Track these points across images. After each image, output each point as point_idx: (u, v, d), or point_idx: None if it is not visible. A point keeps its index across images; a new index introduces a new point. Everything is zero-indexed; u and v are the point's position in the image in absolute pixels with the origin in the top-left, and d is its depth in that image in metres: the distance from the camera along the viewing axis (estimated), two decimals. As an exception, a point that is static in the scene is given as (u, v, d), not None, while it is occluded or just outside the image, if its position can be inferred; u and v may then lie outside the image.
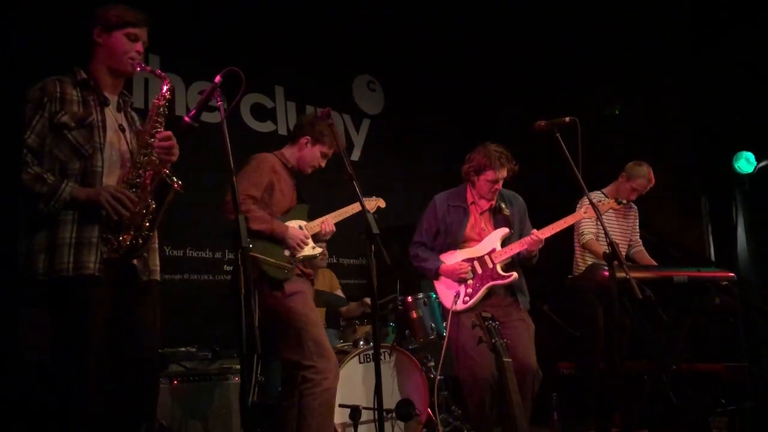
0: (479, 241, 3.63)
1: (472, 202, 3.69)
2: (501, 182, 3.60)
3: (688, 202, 5.40)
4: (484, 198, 3.66)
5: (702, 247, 5.28)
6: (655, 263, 4.48)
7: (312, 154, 3.36)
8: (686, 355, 4.17)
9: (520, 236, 3.62)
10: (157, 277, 2.50)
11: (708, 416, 4.09)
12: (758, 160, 5.11)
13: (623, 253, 4.54)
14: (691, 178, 5.39)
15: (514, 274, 3.53)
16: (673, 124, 5.47)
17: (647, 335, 4.00)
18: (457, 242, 3.64)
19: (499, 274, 3.52)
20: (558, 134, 3.02)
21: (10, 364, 3.25)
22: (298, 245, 3.19)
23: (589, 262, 4.39)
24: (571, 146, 2.99)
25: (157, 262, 2.52)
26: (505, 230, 3.62)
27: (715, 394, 4.24)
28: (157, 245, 2.54)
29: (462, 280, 3.55)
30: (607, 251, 2.84)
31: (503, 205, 3.69)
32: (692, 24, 5.31)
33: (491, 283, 3.52)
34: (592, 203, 3.12)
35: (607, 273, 2.94)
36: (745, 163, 5.09)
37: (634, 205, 4.69)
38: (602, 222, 2.99)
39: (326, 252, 5.06)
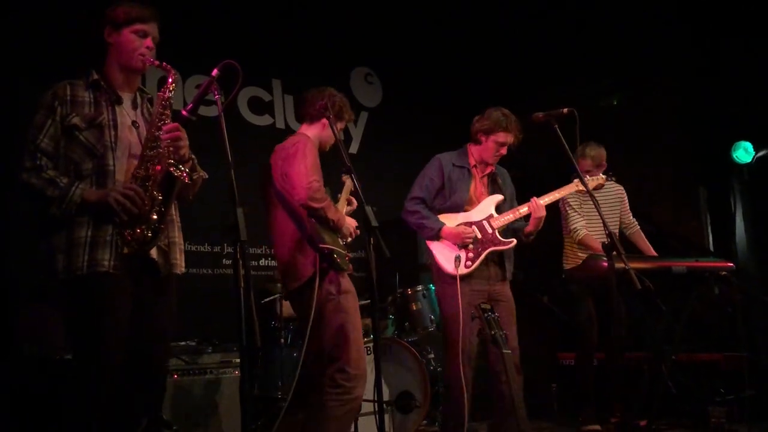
0: (477, 204, 3.62)
1: (474, 165, 3.66)
2: (506, 148, 3.57)
3: (687, 192, 5.40)
4: (485, 161, 3.64)
5: (701, 237, 5.29)
6: (650, 245, 4.45)
7: (332, 132, 3.22)
8: (685, 345, 4.19)
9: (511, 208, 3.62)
10: (178, 271, 2.51)
11: (707, 406, 4.10)
12: (757, 149, 5.10)
13: (616, 234, 4.49)
14: (690, 168, 5.39)
15: (514, 240, 3.53)
16: (671, 114, 5.47)
17: (646, 325, 4.01)
18: (461, 203, 3.60)
19: (500, 240, 3.51)
20: (556, 126, 3.02)
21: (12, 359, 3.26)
22: (351, 234, 3.14)
23: (580, 254, 4.35)
24: (568, 138, 2.99)
25: (178, 256, 2.52)
26: (499, 196, 3.62)
27: (714, 384, 4.26)
28: (178, 239, 2.53)
29: (464, 245, 3.52)
30: (606, 242, 2.83)
31: (497, 175, 3.70)
32: (689, 14, 5.29)
33: (492, 248, 3.51)
34: (590, 194, 3.10)
35: (605, 264, 2.94)
36: (744, 152, 5.09)
37: (616, 184, 4.59)
38: (600, 212, 2.98)
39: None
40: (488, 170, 3.67)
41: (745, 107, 5.06)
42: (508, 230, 3.60)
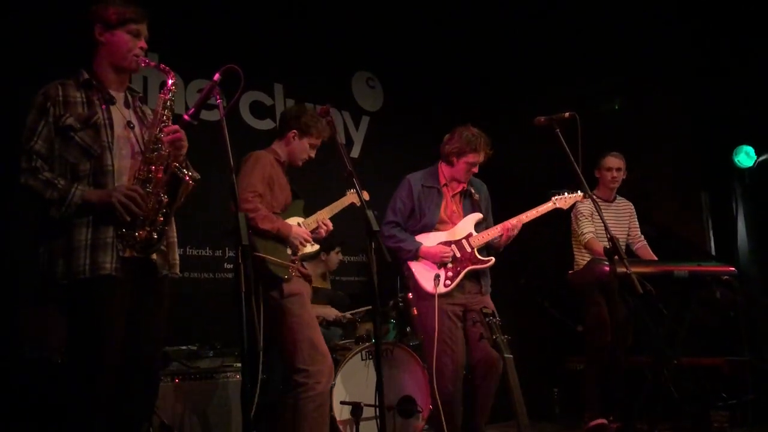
0: (450, 223, 3.65)
1: (445, 184, 3.70)
2: (477, 167, 3.63)
3: (689, 196, 5.40)
4: (456, 180, 3.68)
5: (702, 241, 5.28)
6: (655, 257, 4.46)
7: (301, 147, 3.34)
8: (687, 349, 4.18)
9: (486, 224, 3.67)
10: (177, 270, 2.51)
11: (709, 410, 4.10)
12: (758, 154, 5.10)
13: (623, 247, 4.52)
14: (691, 172, 5.39)
15: (492, 259, 3.57)
16: (673, 118, 5.46)
17: (648, 330, 4.00)
18: (432, 224, 3.63)
19: (479, 259, 3.55)
20: (558, 130, 3.02)
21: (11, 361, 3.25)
22: (301, 243, 3.19)
23: (588, 258, 4.37)
24: (570, 142, 2.98)
25: (177, 256, 2.52)
26: (478, 215, 3.66)
27: (716, 388, 4.25)
28: (175, 239, 2.53)
29: (442, 264, 3.54)
30: (608, 246, 2.83)
31: (473, 190, 3.73)
32: (691, 17, 5.29)
33: (471, 267, 3.54)
34: (592, 199, 3.10)
35: (607, 268, 2.94)
36: (745, 157, 5.08)
37: (626, 201, 4.65)
38: (602, 216, 2.98)
39: (341, 255, 5.06)
40: (459, 188, 3.71)
41: (747, 110, 5.05)
42: (485, 246, 3.63)
